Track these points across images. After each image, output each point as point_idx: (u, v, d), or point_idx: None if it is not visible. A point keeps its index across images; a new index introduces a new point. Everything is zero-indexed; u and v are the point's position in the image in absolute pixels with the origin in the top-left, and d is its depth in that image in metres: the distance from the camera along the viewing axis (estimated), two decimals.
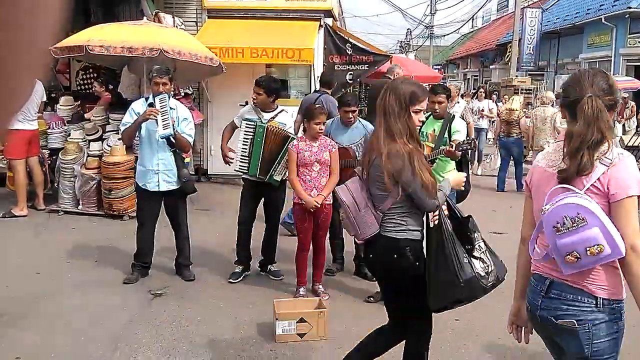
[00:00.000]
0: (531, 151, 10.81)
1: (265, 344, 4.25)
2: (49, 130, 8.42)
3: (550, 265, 2.40)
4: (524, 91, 19.44)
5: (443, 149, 5.17)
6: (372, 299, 5.12)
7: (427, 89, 5.50)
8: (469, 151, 5.46)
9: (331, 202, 5.11)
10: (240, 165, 5.44)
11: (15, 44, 0.50)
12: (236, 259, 5.61)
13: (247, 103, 5.60)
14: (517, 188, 10.75)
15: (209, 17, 10.59)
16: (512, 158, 10.84)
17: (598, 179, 2.25)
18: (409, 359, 3.35)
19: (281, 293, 5.20)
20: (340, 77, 11.09)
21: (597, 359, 2.30)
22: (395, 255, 3.04)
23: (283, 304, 4.51)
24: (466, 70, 40.67)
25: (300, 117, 7.52)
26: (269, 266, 5.71)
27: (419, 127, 3.35)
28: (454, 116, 5.65)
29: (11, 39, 0.49)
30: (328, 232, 5.39)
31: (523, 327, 2.72)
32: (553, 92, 21.80)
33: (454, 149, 5.06)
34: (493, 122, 15.72)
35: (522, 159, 10.99)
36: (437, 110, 5.45)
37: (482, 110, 13.14)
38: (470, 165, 11.54)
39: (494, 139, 12.88)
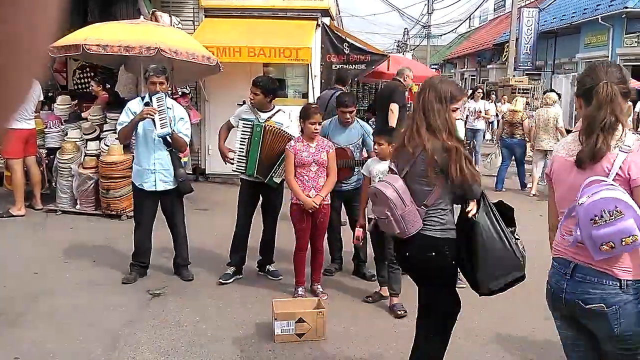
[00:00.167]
0: (532, 151, 10.84)
1: (264, 344, 4.25)
2: (46, 130, 8.41)
3: (575, 250, 2.51)
4: (521, 91, 19.44)
5: None
6: (370, 298, 5.12)
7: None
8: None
9: (329, 203, 5.11)
10: (237, 166, 5.42)
11: (14, 43, 0.50)
12: (229, 260, 5.59)
13: (244, 102, 5.58)
14: (520, 187, 10.78)
15: (206, 16, 10.58)
16: (513, 159, 10.86)
17: (620, 166, 2.39)
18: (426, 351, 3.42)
19: (280, 293, 5.20)
20: None
21: (626, 334, 2.44)
22: (434, 254, 3.11)
23: (282, 304, 4.50)
24: (463, 70, 40.72)
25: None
26: (267, 266, 5.70)
27: None
28: None
29: (11, 39, 0.49)
30: (326, 232, 5.39)
31: None
32: (550, 92, 21.88)
33: None
34: (491, 122, 15.71)
35: (524, 160, 11.01)
36: None
37: (479, 111, 13.11)
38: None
39: (496, 139, 12.88)
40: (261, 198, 5.58)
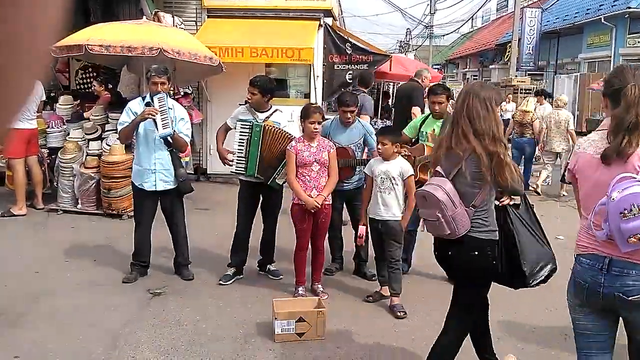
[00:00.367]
0: (540, 152, 10.84)
1: (264, 343, 4.25)
2: (48, 130, 8.42)
3: (606, 244, 2.62)
4: (523, 91, 19.41)
5: None
6: (371, 298, 5.12)
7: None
8: None
9: (331, 203, 5.11)
10: (237, 167, 5.40)
11: (14, 43, 0.50)
12: (229, 261, 5.60)
13: (246, 102, 5.57)
14: (524, 187, 10.76)
15: (208, 17, 10.59)
16: (522, 157, 10.84)
17: None
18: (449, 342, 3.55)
19: (280, 292, 5.20)
20: (339, 76, 11.10)
21: None
22: (477, 254, 3.21)
23: (282, 304, 4.50)
24: (465, 70, 40.70)
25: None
26: (268, 266, 5.70)
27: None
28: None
29: (11, 39, 0.49)
30: (327, 232, 5.39)
31: None
32: (552, 92, 21.82)
33: None
34: None
35: (532, 159, 11.00)
36: (438, 110, 5.46)
37: None
38: None
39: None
40: (261, 198, 5.58)
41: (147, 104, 5.27)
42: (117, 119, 5.77)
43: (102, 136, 8.03)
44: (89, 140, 7.99)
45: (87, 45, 7.09)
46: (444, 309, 4.97)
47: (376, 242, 5.09)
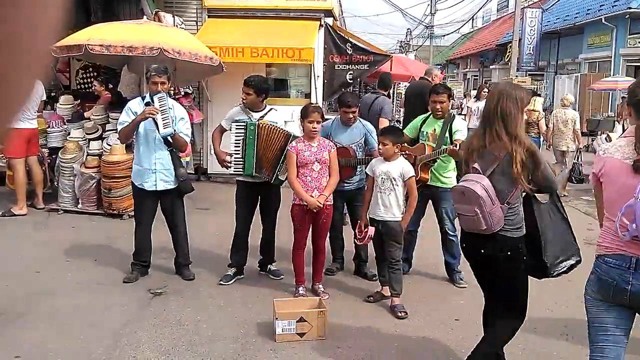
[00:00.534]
0: (547, 150, 10.85)
1: (265, 343, 4.24)
2: (48, 129, 8.42)
3: (632, 245, 2.71)
4: None
5: (445, 149, 5.17)
6: (371, 298, 5.11)
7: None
8: None
9: (332, 203, 5.11)
10: (235, 168, 5.37)
11: (14, 43, 0.50)
12: (230, 262, 5.60)
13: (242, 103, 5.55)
14: None
15: (209, 17, 10.59)
16: None
17: None
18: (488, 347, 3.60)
19: (281, 292, 5.20)
20: (340, 76, 11.10)
21: None
22: (509, 253, 3.33)
23: (283, 304, 4.50)
24: (466, 70, 40.69)
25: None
26: (268, 266, 5.70)
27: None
28: (454, 116, 5.65)
29: (11, 39, 0.49)
30: (328, 232, 5.39)
31: None
32: (552, 92, 21.84)
33: (458, 147, 5.05)
34: None
35: None
36: (439, 110, 5.45)
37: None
38: None
39: None
40: (260, 198, 5.57)
41: (147, 104, 5.27)
42: (118, 119, 5.77)
43: (103, 136, 8.03)
44: (90, 140, 7.99)
45: (88, 45, 7.08)
46: (445, 309, 4.99)
47: (376, 243, 5.08)
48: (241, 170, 5.35)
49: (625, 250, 2.73)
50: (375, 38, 54.25)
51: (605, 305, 2.88)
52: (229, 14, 10.53)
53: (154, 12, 9.10)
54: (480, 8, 37.40)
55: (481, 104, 12.93)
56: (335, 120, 5.71)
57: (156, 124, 5.22)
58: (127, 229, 6.27)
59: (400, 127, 6.90)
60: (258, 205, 5.61)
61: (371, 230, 4.96)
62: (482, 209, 3.24)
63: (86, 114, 8.37)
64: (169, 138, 5.28)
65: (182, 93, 9.40)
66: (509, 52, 25.08)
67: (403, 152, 5.02)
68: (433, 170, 5.41)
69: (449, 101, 5.65)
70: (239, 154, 5.32)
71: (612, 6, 21.28)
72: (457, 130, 5.40)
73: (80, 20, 9.20)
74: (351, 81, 11.29)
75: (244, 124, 5.31)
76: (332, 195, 5.07)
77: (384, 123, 6.72)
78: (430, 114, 5.63)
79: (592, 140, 13.97)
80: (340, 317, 4.68)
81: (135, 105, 5.38)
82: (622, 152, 2.79)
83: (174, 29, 8.70)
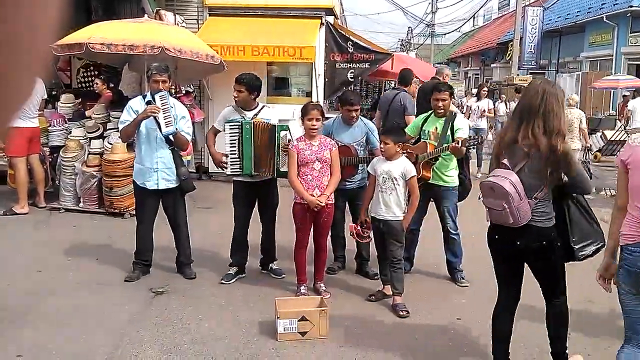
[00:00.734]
0: None
1: (266, 342, 4.24)
2: (49, 128, 8.42)
3: None
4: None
5: (447, 146, 5.16)
6: (373, 297, 5.11)
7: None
8: (472, 149, 5.47)
9: (333, 202, 5.10)
10: (232, 169, 5.34)
11: (14, 43, 0.50)
12: (231, 261, 5.59)
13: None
14: None
15: (210, 15, 10.58)
16: None
17: None
18: (558, 325, 3.74)
19: (282, 291, 5.20)
20: (341, 75, 11.09)
21: None
22: (545, 242, 3.46)
23: (284, 303, 4.50)
24: (467, 68, 40.67)
25: (379, 112, 7.54)
26: (270, 265, 5.69)
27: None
28: (455, 114, 5.64)
29: (11, 39, 0.49)
30: (329, 231, 5.38)
31: (608, 279, 3.28)
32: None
33: (460, 144, 5.05)
34: (495, 123, 15.50)
35: None
36: (441, 108, 5.44)
37: (483, 110, 12.88)
38: (477, 168, 11.56)
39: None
40: (257, 198, 5.55)
41: (148, 102, 5.26)
42: (119, 118, 5.77)
43: (104, 135, 8.03)
44: (91, 138, 7.99)
45: (89, 43, 7.08)
46: (446, 308, 4.99)
47: (378, 242, 5.08)
48: (239, 170, 5.32)
49: None
50: (376, 36, 54.27)
51: (637, 295, 3.02)
52: (230, 12, 10.52)
53: (155, 11, 9.10)
54: (482, 6, 37.43)
55: (481, 103, 12.88)
56: (337, 118, 5.71)
57: (158, 122, 5.22)
58: (129, 228, 6.27)
59: None
60: (256, 205, 5.59)
61: (351, 227, 5.07)
62: (510, 204, 3.34)
63: (87, 113, 8.37)
64: (170, 137, 5.28)
65: (183, 92, 9.40)
66: (510, 50, 25.08)
67: (405, 151, 5.01)
68: (435, 168, 5.41)
69: (451, 99, 5.64)
70: (235, 153, 5.30)
71: (614, 4, 21.24)
72: (459, 128, 5.40)
73: (81, 19, 9.20)
74: (352, 80, 11.28)
75: (238, 123, 5.28)
76: (333, 193, 5.07)
77: (410, 120, 6.58)
78: (431, 113, 5.62)
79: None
80: (342, 316, 4.68)
81: (137, 104, 5.37)
82: None
83: (175, 28, 8.70)
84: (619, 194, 3.22)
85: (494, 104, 14.49)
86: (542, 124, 3.35)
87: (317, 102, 7.23)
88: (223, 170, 5.53)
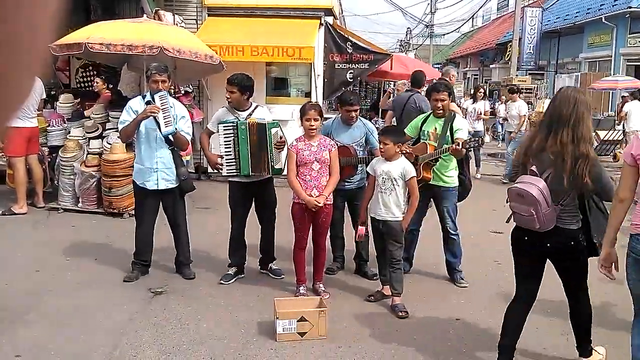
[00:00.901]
0: None
1: (265, 343, 4.24)
2: (48, 128, 8.42)
3: None
4: (524, 90, 19.40)
5: (447, 148, 5.16)
6: (372, 297, 5.10)
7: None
8: (472, 150, 5.48)
9: (332, 202, 5.10)
10: (228, 170, 5.33)
11: (14, 43, 0.50)
12: (230, 262, 5.59)
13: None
14: None
15: (209, 15, 10.58)
16: None
17: None
18: (584, 320, 3.89)
19: (281, 292, 5.19)
20: (340, 75, 11.10)
21: None
22: (573, 243, 3.58)
23: (283, 303, 4.49)
24: (466, 69, 40.67)
25: (392, 114, 7.55)
26: (269, 265, 5.69)
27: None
28: (455, 115, 5.64)
29: (11, 39, 0.49)
30: (328, 231, 5.38)
31: (609, 267, 3.42)
32: (553, 92, 21.78)
33: (460, 146, 5.05)
34: (494, 124, 15.44)
35: None
36: (440, 108, 5.44)
37: (480, 112, 12.65)
38: (476, 169, 11.55)
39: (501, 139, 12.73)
40: (254, 198, 5.55)
41: (148, 103, 5.26)
42: (118, 118, 5.76)
43: (103, 134, 8.02)
44: (90, 138, 7.98)
45: (87, 43, 7.08)
46: (446, 309, 4.99)
47: (377, 242, 5.08)
48: (236, 171, 5.31)
49: None
50: (375, 37, 54.30)
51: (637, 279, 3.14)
52: (229, 12, 10.52)
53: (154, 11, 9.09)
54: (481, 7, 37.43)
55: (478, 105, 12.68)
56: (336, 119, 5.71)
57: (157, 122, 5.21)
58: (128, 228, 6.26)
59: None
60: (254, 205, 5.59)
61: (361, 230, 5.05)
62: (537, 211, 3.44)
63: (86, 113, 8.36)
64: (170, 137, 5.27)
65: (182, 92, 9.39)
66: (509, 51, 25.08)
67: (404, 152, 5.01)
68: (435, 169, 5.40)
69: (450, 100, 5.64)
70: (230, 154, 5.29)
71: (613, 5, 21.27)
72: (458, 129, 5.40)
73: (80, 19, 9.20)
74: (351, 80, 11.28)
75: (233, 124, 5.26)
76: (332, 194, 5.07)
77: None
78: (430, 113, 5.62)
79: None
80: (341, 317, 4.68)
81: (136, 104, 5.37)
82: None
83: (174, 28, 8.69)
84: (621, 187, 3.33)
85: (494, 105, 14.43)
86: (571, 133, 3.44)
87: (316, 102, 7.22)
88: (219, 171, 5.52)
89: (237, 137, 5.22)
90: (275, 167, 5.25)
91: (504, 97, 17.12)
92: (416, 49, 41.32)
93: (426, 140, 5.50)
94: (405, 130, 5.67)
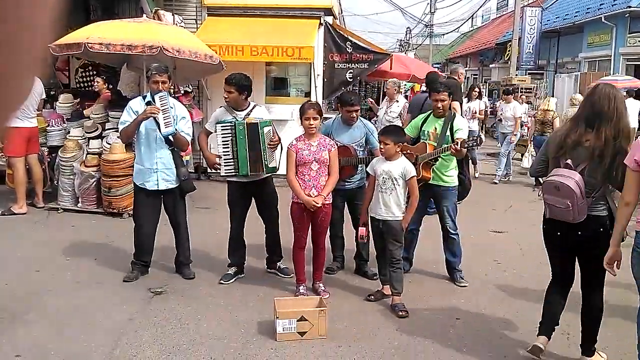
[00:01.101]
0: None
1: (265, 342, 4.24)
2: (48, 128, 8.42)
3: None
4: (523, 90, 19.40)
5: (447, 147, 5.16)
6: (372, 297, 5.11)
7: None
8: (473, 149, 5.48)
9: (331, 202, 5.10)
10: (226, 170, 5.32)
11: (14, 43, 0.50)
12: (229, 262, 5.59)
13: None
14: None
15: (208, 15, 10.59)
16: None
17: None
18: (595, 315, 3.93)
19: (281, 291, 5.19)
20: (340, 75, 11.10)
21: None
22: (602, 230, 3.68)
23: (283, 303, 4.49)
24: (466, 69, 40.57)
25: (409, 115, 7.55)
26: (277, 264, 5.67)
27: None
28: (454, 114, 5.64)
29: (11, 39, 0.49)
30: (328, 231, 5.38)
31: (613, 265, 3.50)
32: (552, 91, 21.84)
33: (459, 146, 5.05)
34: (493, 124, 15.37)
35: None
36: (440, 108, 5.44)
37: (474, 111, 12.55)
38: (474, 167, 11.54)
39: (528, 138, 12.68)
40: (254, 198, 5.55)
41: (148, 103, 5.26)
42: (118, 118, 5.76)
43: (103, 134, 8.02)
44: (89, 138, 7.98)
45: (87, 43, 7.07)
46: (446, 308, 4.99)
47: (377, 241, 5.08)
48: (234, 171, 5.30)
49: None
50: (374, 37, 54.21)
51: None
52: (228, 12, 10.52)
53: (153, 11, 9.09)
54: (480, 7, 37.37)
55: (472, 104, 12.58)
56: (337, 119, 5.71)
57: (157, 123, 5.21)
58: (127, 228, 6.26)
59: None
60: (255, 205, 5.59)
61: (362, 231, 5.06)
62: (573, 203, 3.56)
63: (86, 113, 8.36)
64: (170, 137, 5.27)
65: (182, 92, 9.39)
66: (509, 51, 25.05)
67: (404, 152, 5.01)
68: (435, 168, 5.40)
69: (450, 99, 5.64)
70: (228, 154, 5.28)
71: (612, 5, 21.26)
72: (458, 129, 5.40)
73: (80, 19, 9.20)
74: (351, 80, 11.28)
75: (231, 124, 5.26)
76: (331, 193, 5.06)
77: None
78: (430, 113, 5.62)
79: None
80: (341, 316, 4.68)
81: (137, 105, 5.37)
82: None
83: (174, 28, 8.69)
84: (627, 191, 3.43)
85: (494, 105, 14.38)
86: (613, 129, 3.55)
87: (315, 101, 7.21)
88: (217, 171, 5.52)
89: (235, 137, 5.22)
90: (269, 165, 5.25)
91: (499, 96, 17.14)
92: (416, 48, 41.33)
93: (426, 140, 5.50)
94: (406, 130, 5.67)
